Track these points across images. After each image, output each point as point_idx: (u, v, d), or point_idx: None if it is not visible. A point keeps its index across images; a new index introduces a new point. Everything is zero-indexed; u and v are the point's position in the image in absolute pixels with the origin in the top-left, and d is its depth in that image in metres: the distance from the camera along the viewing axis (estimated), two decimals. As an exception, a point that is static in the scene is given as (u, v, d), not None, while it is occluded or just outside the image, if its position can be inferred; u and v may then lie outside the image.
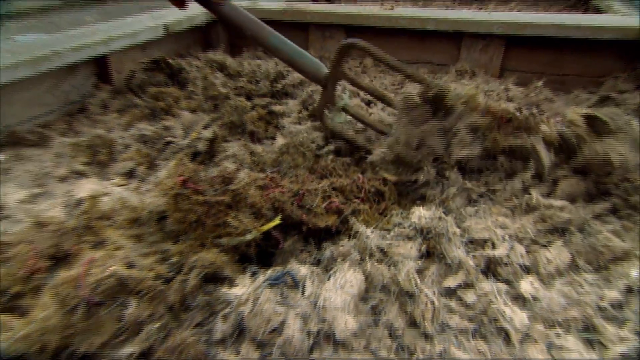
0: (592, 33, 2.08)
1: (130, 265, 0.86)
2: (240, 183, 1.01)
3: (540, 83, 2.06)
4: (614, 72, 2.18)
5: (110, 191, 1.17)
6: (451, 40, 2.35)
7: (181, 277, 0.89)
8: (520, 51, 2.25)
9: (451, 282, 0.94)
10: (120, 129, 1.60)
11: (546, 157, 1.15)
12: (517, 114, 1.20)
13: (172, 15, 2.25)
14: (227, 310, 0.82)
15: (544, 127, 1.17)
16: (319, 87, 1.77)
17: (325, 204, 1.12)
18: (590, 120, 1.16)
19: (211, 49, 2.60)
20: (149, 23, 2.07)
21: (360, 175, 1.22)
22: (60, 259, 0.89)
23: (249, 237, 0.98)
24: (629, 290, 0.90)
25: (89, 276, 0.79)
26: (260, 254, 1.06)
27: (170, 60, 1.89)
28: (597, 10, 3.10)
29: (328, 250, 1.00)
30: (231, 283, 0.90)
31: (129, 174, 1.39)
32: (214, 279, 0.94)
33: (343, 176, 1.29)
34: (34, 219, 0.94)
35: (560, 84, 2.28)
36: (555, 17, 2.17)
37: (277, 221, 1.03)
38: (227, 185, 1.01)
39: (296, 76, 2.06)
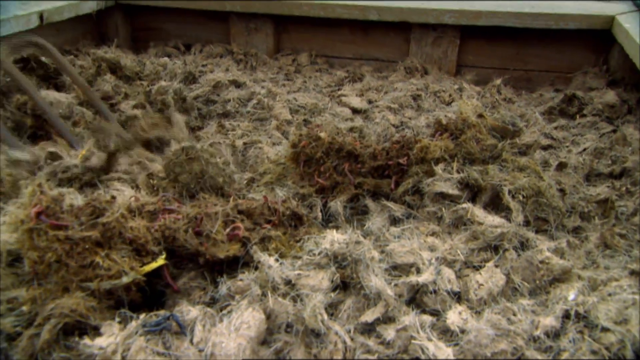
0: (555, 22, 2.28)
1: None
2: (114, 215, 1.02)
3: (499, 81, 2.23)
4: (583, 66, 2.40)
5: None
6: (399, 33, 2.50)
7: (31, 331, 0.90)
8: (477, 44, 2.43)
9: (369, 316, 1.00)
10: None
11: None
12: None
13: (50, 1, 2.24)
14: (88, 368, 0.83)
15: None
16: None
17: (227, 231, 1.16)
18: None
19: (107, 44, 2.61)
20: (16, 10, 2.06)
21: (267, 197, 1.27)
22: None
23: (125, 280, 1.00)
24: (566, 316, 1.00)
25: None
26: (150, 296, 1.08)
27: (44, 59, 1.89)
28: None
29: (224, 285, 1.03)
30: (96, 333, 0.91)
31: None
32: (77, 329, 0.95)
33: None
34: None
35: (526, 81, 2.47)
36: (514, 5, 2.36)
37: (160, 261, 1.05)
38: (97, 217, 1.03)
39: (211, 78, 2.12)
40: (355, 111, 2.03)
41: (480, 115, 1.37)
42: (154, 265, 1.05)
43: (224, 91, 2.08)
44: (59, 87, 1.88)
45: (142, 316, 0.93)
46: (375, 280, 1.01)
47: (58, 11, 2.21)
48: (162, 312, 0.97)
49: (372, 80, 2.34)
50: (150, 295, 1.09)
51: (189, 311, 0.98)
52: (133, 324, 0.91)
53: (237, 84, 2.13)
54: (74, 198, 1.13)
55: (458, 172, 1.23)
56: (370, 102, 2.11)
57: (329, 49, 2.67)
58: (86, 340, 0.87)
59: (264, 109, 1.96)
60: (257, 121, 1.88)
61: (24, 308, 0.95)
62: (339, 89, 2.27)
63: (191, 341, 0.94)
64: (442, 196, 1.25)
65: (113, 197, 1.12)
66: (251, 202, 1.27)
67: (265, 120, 1.89)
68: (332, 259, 1.06)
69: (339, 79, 2.40)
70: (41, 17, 2.11)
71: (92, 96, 1.65)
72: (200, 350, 0.92)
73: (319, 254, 1.05)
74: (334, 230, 1.10)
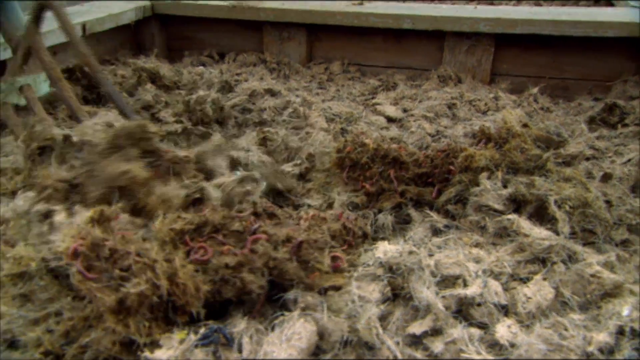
0: (595, 30, 2.25)
1: (11, 343, 0.85)
2: (142, 283, 0.86)
3: (535, 90, 2.21)
4: (622, 74, 2.35)
5: None
6: (432, 41, 2.49)
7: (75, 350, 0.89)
8: (512, 52, 2.41)
9: (417, 328, 0.99)
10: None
11: None
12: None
13: (92, 12, 2.31)
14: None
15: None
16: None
17: (329, 260, 1.11)
18: None
19: (144, 53, 2.67)
20: (61, 23, 2.12)
21: (342, 214, 1.25)
22: None
23: None
24: (620, 332, 0.97)
25: None
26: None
27: (87, 69, 1.94)
28: (610, 4, 3.32)
29: (294, 293, 1.03)
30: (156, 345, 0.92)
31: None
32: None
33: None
34: None
35: (562, 90, 2.43)
36: (551, 12, 2.34)
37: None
38: (127, 276, 0.88)
39: (247, 86, 2.15)
40: (390, 120, 2.03)
41: (525, 125, 1.36)
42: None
43: (260, 100, 2.10)
44: (100, 97, 1.93)
45: (201, 330, 0.93)
46: (427, 293, 1.01)
47: (99, 22, 2.27)
48: (210, 324, 0.98)
49: (406, 88, 2.34)
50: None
51: (236, 324, 0.99)
52: (192, 337, 0.92)
53: (272, 93, 2.15)
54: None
55: (504, 185, 1.22)
56: (405, 110, 2.11)
57: (361, 57, 2.67)
58: (147, 353, 0.87)
59: (299, 117, 1.97)
60: (293, 130, 1.89)
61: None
62: (372, 98, 2.27)
63: (239, 351, 0.95)
64: (486, 205, 1.24)
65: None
66: (332, 222, 1.24)
67: (301, 128, 1.90)
68: (387, 269, 1.06)
69: (372, 87, 2.40)
70: (84, 27, 2.18)
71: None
72: (249, 361, 0.93)
73: (373, 264, 1.06)
74: (386, 241, 1.11)
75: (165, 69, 2.17)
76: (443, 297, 1.04)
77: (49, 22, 2.13)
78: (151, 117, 1.83)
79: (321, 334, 0.97)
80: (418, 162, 1.39)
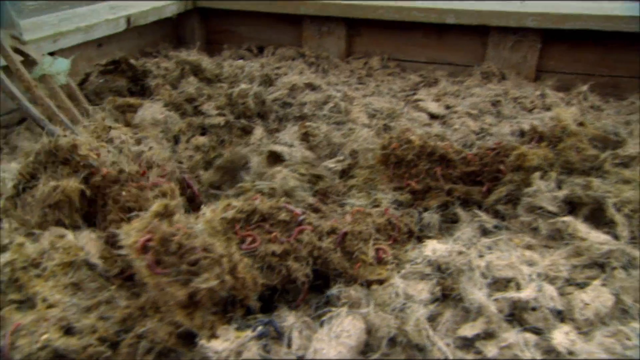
0: (647, 26, 2.15)
1: (67, 330, 0.86)
2: (212, 279, 0.83)
3: (585, 87, 2.13)
4: (678, 72, 2.25)
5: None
6: (476, 36, 2.43)
7: (128, 342, 0.87)
8: (559, 48, 2.33)
9: (468, 331, 0.97)
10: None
11: None
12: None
13: (136, 5, 2.34)
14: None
15: None
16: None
17: (373, 253, 1.10)
18: None
19: (184, 46, 2.69)
20: (106, 15, 2.16)
21: (388, 210, 1.24)
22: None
23: None
24: (686, 342, 0.93)
25: (15, 350, 0.79)
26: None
27: (132, 61, 1.96)
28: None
29: (336, 288, 1.02)
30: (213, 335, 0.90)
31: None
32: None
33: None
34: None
35: (612, 88, 2.34)
36: (603, 7, 2.25)
37: None
38: (196, 270, 0.86)
39: (287, 80, 2.14)
40: (432, 116, 1.99)
41: (581, 124, 1.31)
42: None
43: (300, 94, 2.08)
44: (145, 89, 1.95)
45: (259, 328, 0.93)
46: (478, 295, 0.98)
47: (143, 15, 2.30)
48: (260, 317, 0.98)
49: (448, 85, 2.29)
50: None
51: (287, 317, 0.99)
52: (249, 333, 0.91)
53: (313, 87, 2.13)
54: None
55: (559, 186, 1.17)
56: (447, 107, 2.06)
57: (401, 52, 2.63)
58: (203, 341, 0.87)
59: (340, 112, 1.95)
60: (334, 125, 1.87)
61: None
62: (413, 94, 2.23)
63: (288, 346, 0.94)
64: (539, 207, 1.20)
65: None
66: (377, 216, 1.23)
67: (343, 124, 1.88)
68: (435, 268, 1.04)
69: (413, 83, 2.36)
70: (128, 20, 2.20)
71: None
72: (299, 357, 0.92)
73: (421, 262, 1.04)
74: (435, 240, 1.08)
75: (207, 62, 2.17)
76: (495, 299, 1.01)
77: (97, 15, 2.17)
78: (194, 110, 1.83)
79: (368, 330, 0.96)
80: (466, 160, 1.36)
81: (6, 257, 0.98)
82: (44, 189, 1.09)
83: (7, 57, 1.50)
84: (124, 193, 1.11)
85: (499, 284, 1.06)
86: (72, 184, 1.09)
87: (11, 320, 0.88)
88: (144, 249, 0.83)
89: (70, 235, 1.08)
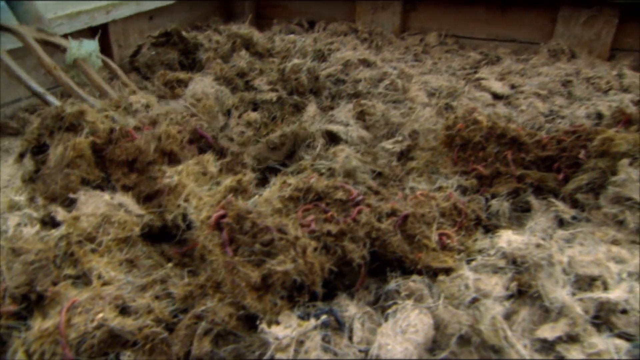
0: None
1: (123, 309, 0.83)
2: (289, 262, 0.79)
3: (667, 67, 1.95)
4: None
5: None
6: (543, 11, 2.26)
7: (185, 323, 0.83)
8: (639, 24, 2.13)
9: (548, 332, 0.88)
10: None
11: None
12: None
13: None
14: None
15: None
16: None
17: (437, 237, 1.02)
18: None
19: (234, 20, 2.63)
20: (158, -12, 2.12)
21: (452, 194, 1.15)
22: (33, 301, 0.88)
23: None
24: None
25: (70, 328, 0.77)
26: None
27: (184, 33, 1.92)
28: None
29: (394, 282, 0.95)
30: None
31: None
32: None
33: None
34: (9, 243, 0.92)
35: (695, 68, 2.14)
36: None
37: None
38: (270, 250, 0.82)
39: (340, 56, 2.05)
40: (496, 96, 1.86)
41: (677, 107, 1.17)
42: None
43: (354, 70, 1.99)
44: (195, 63, 1.90)
45: (322, 317, 0.87)
46: (561, 293, 0.88)
47: (194, -13, 2.24)
48: (320, 305, 0.91)
49: (512, 63, 2.14)
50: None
51: (347, 307, 0.92)
52: (312, 322, 0.85)
53: (367, 64, 2.04)
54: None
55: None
56: (512, 87, 1.93)
57: (460, 29, 2.49)
58: (264, 326, 0.82)
59: (397, 90, 1.85)
60: (391, 103, 1.78)
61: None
62: (474, 72, 2.10)
63: (350, 339, 0.88)
64: (628, 197, 1.08)
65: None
66: (442, 200, 1.15)
67: (400, 102, 1.78)
68: (510, 262, 0.95)
69: (473, 60, 2.22)
70: (180, -7, 2.16)
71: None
72: (361, 351, 0.85)
73: (495, 254, 0.94)
74: (509, 230, 0.99)
75: (258, 36, 2.10)
76: (580, 299, 0.91)
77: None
78: (245, 85, 1.77)
79: (436, 325, 0.88)
80: (541, 144, 1.24)
81: (61, 230, 0.95)
82: (56, 151, 1.11)
83: (29, 46, 1.58)
84: (117, 151, 1.13)
85: (582, 282, 0.96)
86: (81, 139, 1.12)
87: (66, 296, 0.86)
88: (218, 225, 0.77)
89: (106, 196, 1.06)
